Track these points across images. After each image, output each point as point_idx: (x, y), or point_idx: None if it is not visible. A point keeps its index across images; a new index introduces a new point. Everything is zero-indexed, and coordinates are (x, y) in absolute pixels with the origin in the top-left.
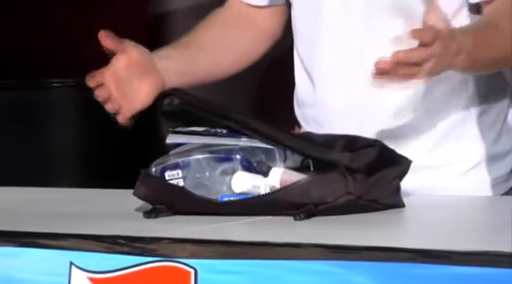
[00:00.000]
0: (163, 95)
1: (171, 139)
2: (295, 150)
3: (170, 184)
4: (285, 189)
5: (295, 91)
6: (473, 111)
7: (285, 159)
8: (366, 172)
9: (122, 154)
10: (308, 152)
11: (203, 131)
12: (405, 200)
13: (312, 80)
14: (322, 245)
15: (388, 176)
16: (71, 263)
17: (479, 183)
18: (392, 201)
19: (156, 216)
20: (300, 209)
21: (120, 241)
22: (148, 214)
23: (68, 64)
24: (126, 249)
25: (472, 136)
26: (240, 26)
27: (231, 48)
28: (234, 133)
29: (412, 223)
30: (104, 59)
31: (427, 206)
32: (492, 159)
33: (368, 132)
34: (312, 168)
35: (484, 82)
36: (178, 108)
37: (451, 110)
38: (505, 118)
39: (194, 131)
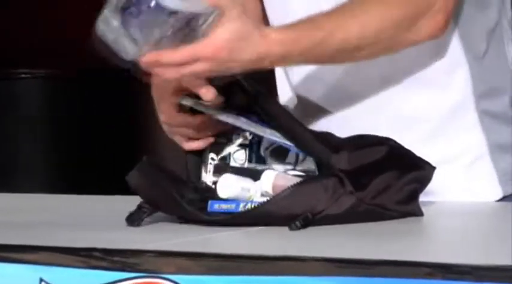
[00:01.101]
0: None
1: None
2: (300, 146)
3: (162, 185)
4: (273, 200)
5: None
6: (470, 97)
7: (303, 160)
8: (367, 172)
9: (97, 152)
10: (312, 150)
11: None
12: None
13: (289, 79)
14: (328, 259)
15: (400, 179)
16: (41, 280)
17: (483, 180)
18: (406, 208)
19: (139, 224)
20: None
21: (97, 254)
22: (131, 219)
23: (36, 53)
24: (103, 263)
25: (471, 125)
26: None
27: None
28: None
29: (429, 234)
30: (77, 47)
31: (445, 214)
32: (498, 149)
33: (350, 125)
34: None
35: (480, 62)
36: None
37: (444, 97)
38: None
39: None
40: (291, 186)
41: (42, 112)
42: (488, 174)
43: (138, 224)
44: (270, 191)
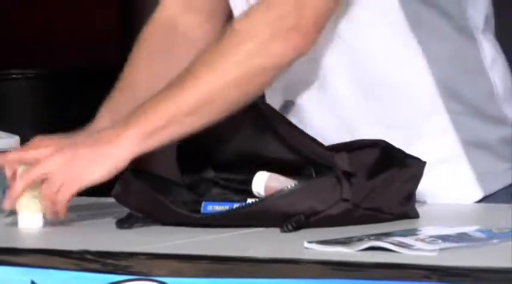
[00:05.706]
0: None
1: None
2: (296, 146)
3: (150, 193)
4: (268, 200)
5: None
6: (438, 99)
7: None
8: (365, 175)
9: None
10: (310, 150)
11: None
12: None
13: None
14: (323, 261)
15: (395, 180)
16: (32, 283)
17: (461, 181)
18: (402, 210)
19: (130, 226)
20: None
21: (89, 256)
22: (121, 223)
23: (28, 53)
24: (95, 266)
25: (443, 127)
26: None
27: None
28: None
29: None
30: (68, 47)
31: (441, 216)
32: (473, 148)
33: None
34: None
35: (446, 65)
36: None
37: (414, 103)
38: (492, 100)
39: None
40: (290, 186)
41: (34, 112)
42: (466, 174)
43: (129, 227)
44: (262, 192)
